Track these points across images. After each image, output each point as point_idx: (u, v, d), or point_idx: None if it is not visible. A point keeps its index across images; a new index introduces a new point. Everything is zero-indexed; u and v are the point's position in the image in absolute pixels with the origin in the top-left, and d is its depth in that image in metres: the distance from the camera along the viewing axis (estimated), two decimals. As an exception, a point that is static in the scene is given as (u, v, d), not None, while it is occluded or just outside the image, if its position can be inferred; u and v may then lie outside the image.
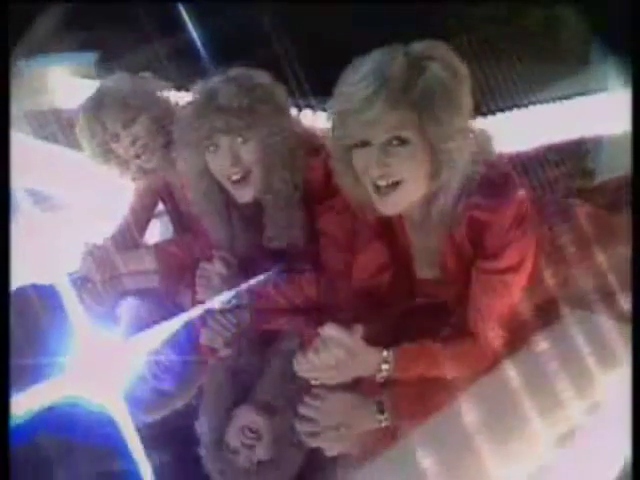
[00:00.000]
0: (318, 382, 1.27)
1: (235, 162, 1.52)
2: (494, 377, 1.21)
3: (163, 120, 1.82)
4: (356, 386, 1.27)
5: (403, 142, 1.21)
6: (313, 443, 1.22)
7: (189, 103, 1.57)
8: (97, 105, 1.84)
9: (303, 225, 1.58)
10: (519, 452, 1.06)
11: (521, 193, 1.25)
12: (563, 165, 2.64)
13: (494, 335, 1.28)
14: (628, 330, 1.26)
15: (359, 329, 1.24)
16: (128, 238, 1.93)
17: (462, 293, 1.33)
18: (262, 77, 1.58)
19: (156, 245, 1.86)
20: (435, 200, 1.25)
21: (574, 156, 2.73)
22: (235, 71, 1.58)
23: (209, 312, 1.58)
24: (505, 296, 1.27)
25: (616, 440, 1.06)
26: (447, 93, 1.21)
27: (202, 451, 1.34)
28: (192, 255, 1.80)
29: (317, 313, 1.57)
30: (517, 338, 1.31)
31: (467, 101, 1.25)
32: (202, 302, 1.58)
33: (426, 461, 1.04)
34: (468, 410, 1.10)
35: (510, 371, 1.19)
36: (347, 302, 1.51)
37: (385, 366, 1.25)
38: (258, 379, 1.57)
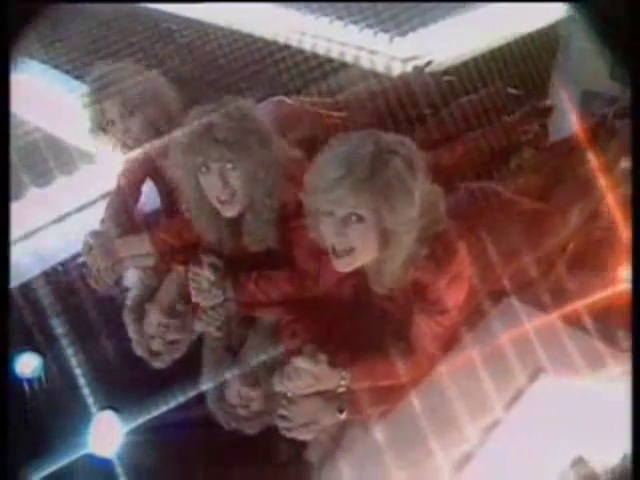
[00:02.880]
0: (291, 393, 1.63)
1: (224, 185, 1.74)
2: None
3: (159, 121, 2.01)
4: (322, 393, 1.63)
5: (360, 218, 1.45)
6: (289, 435, 1.62)
7: (186, 129, 1.74)
8: (101, 92, 2.01)
9: (277, 236, 1.84)
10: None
11: (460, 259, 1.52)
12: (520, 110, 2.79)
13: (431, 354, 1.62)
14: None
15: (322, 358, 1.58)
16: (124, 213, 2.18)
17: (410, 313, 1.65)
18: (251, 108, 1.77)
19: (150, 231, 2.09)
20: (386, 263, 1.52)
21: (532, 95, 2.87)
22: (229, 102, 1.75)
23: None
24: (439, 330, 1.59)
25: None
26: (404, 187, 1.44)
27: (209, 404, 1.77)
28: (182, 239, 2.06)
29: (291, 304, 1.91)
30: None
31: (420, 191, 1.47)
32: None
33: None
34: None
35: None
36: (316, 300, 1.84)
37: (343, 382, 1.60)
38: (244, 347, 1.95)
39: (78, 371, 1.80)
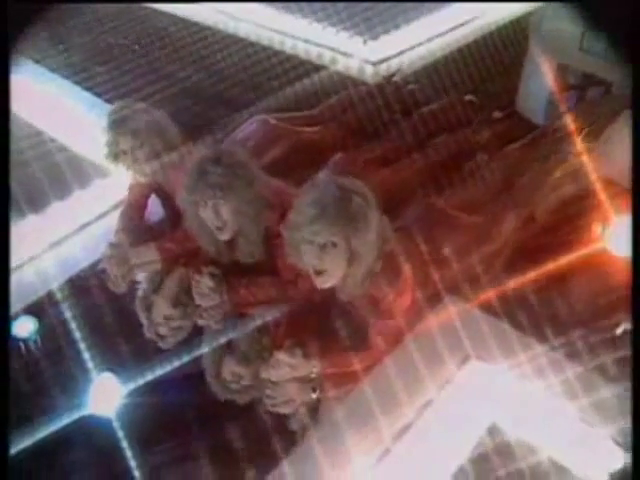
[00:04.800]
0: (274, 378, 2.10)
1: (217, 216, 2.18)
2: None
3: (162, 152, 2.43)
4: (298, 378, 2.10)
5: (334, 245, 1.88)
6: (273, 410, 2.10)
7: (188, 174, 2.17)
8: (116, 128, 2.45)
9: (263, 251, 2.28)
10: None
11: (404, 276, 1.97)
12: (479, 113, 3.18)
13: (381, 347, 2.09)
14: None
15: (298, 352, 2.04)
16: (133, 224, 2.61)
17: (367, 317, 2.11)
18: (241, 155, 2.18)
19: (156, 240, 2.52)
20: (349, 277, 1.96)
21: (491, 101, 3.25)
22: (221, 148, 2.17)
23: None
24: (388, 330, 2.06)
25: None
26: (364, 218, 1.87)
27: (207, 378, 2.23)
28: (184, 248, 2.50)
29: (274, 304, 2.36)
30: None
31: (375, 218, 1.89)
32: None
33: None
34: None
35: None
36: (295, 302, 2.30)
37: (315, 369, 2.07)
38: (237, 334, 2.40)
39: (78, 334, 2.08)
